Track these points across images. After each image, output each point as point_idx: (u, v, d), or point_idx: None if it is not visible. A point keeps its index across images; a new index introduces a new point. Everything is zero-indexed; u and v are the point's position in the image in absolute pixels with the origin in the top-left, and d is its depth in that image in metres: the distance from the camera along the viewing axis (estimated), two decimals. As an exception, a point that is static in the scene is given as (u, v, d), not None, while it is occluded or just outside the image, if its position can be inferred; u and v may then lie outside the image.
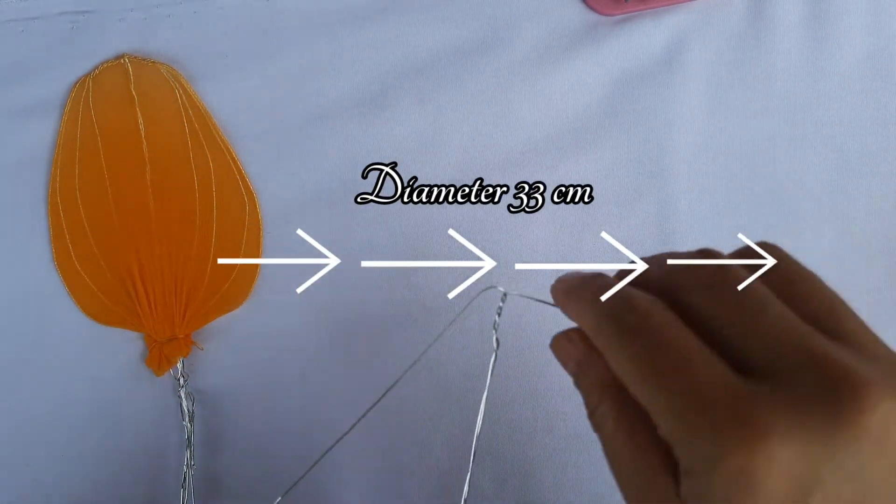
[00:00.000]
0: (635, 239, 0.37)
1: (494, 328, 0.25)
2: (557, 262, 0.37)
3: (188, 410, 0.35)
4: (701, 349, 0.18)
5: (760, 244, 0.21)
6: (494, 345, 0.25)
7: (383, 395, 0.27)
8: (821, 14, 0.38)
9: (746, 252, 0.21)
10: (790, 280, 0.20)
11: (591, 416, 0.21)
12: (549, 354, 0.37)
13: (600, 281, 0.21)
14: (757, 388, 0.17)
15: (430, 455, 0.36)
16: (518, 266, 0.37)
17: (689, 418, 0.17)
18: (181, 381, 0.35)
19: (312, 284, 0.37)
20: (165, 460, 0.36)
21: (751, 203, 0.38)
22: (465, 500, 0.26)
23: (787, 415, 0.16)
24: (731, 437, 0.16)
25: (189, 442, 0.35)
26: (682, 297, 0.19)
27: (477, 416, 0.36)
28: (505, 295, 0.25)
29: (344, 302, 0.37)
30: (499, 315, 0.24)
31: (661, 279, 0.21)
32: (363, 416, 0.27)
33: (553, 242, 0.37)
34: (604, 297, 0.20)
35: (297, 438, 0.36)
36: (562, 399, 0.36)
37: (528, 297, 0.23)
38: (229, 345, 0.36)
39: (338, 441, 0.28)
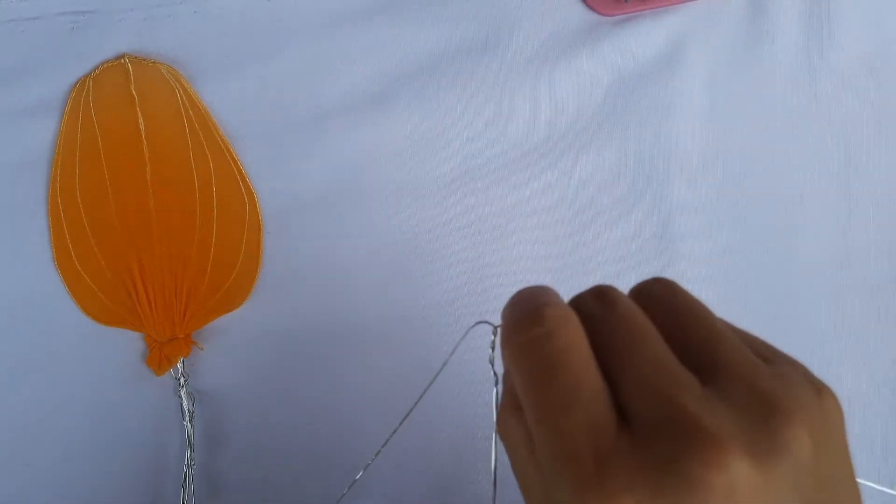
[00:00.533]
0: (635, 239, 0.37)
1: (490, 362, 0.23)
2: (557, 263, 0.37)
3: (188, 410, 0.35)
4: (592, 384, 0.17)
5: (654, 280, 0.20)
6: (493, 379, 0.24)
7: (391, 435, 0.26)
8: (821, 14, 0.38)
9: (644, 287, 0.20)
10: (675, 311, 0.19)
11: (498, 423, 0.20)
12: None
13: (526, 292, 0.20)
14: (624, 440, 0.16)
15: (430, 455, 0.36)
16: (517, 266, 0.37)
17: (556, 463, 0.16)
18: (181, 381, 0.35)
19: (312, 284, 0.37)
20: (165, 460, 0.36)
21: (750, 203, 0.38)
22: None
23: (642, 477, 0.15)
24: (586, 500, 0.15)
25: (189, 442, 0.35)
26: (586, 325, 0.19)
27: (476, 418, 0.36)
28: (496, 329, 0.24)
29: (344, 302, 0.37)
30: (493, 349, 0.22)
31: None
32: (377, 453, 0.27)
33: (553, 243, 0.37)
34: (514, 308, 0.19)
35: (297, 438, 0.36)
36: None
37: None
38: (229, 345, 0.36)
39: (360, 474, 0.27)
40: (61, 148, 0.36)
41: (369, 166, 0.37)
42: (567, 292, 0.38)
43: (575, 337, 0.18)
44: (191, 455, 0.35)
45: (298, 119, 0.37)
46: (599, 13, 0.38)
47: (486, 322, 0.23)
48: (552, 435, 0.17)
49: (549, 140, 0.38)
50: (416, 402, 0.26)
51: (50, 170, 0.37)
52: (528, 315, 0.19)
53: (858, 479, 0.18)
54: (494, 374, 0.23)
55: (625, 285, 0.37)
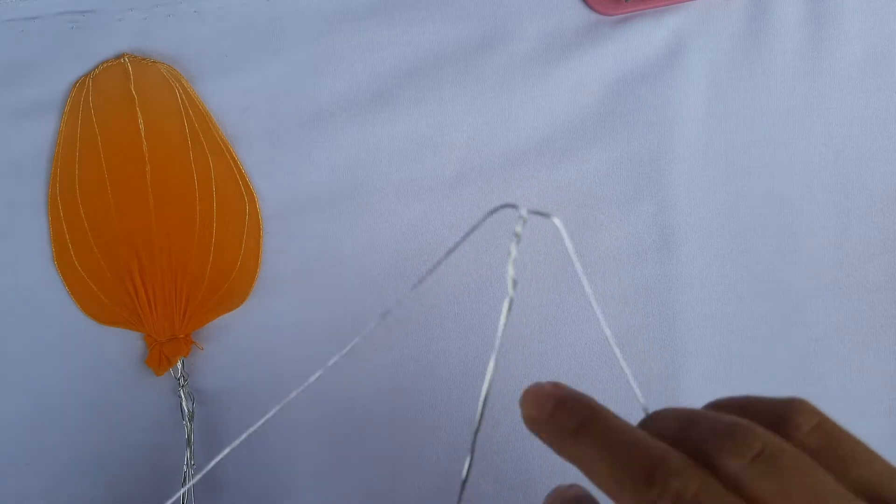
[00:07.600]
0: (635, 238, 0.37)
1: (509, 255, 0.20)
2: (557, 261, 0.37)
3: (188, 410, 0.35)
4: None
5: (791, 401, 0.19)
6: (509, 285, 0.20)
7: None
8: (821, 14, 0.38)
9: (774, 407, 0.19)
10: (832, 444, 0.19)
11: None
12: (550, 354, 0.37)
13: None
14: None
15: (430, 455, 0.36)
16: (517, 265, 0.37)
17: None
18: (181, 381, 0.35)
19: (312, 284, 0.37)
20: (165, 460, 0.36)
21: (750, 203, 0.38)
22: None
23: None
24: None
25: (189, 442, 0.35)
26: (715, 462, 0.18)
27: (475, 417, 0.36)
28: (523, 216, 0.20)
29: (344, 302, 0.37)
30: (516, 242, 0.19)
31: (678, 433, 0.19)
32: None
33: (553, 242, 0.37)
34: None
35: (297, 438, 0.36)
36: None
37: (541, 214, 0.20)
38: (229, 345, 0.36)
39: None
40: (61, 147, 0.36)
41: (369, 166, 0.37)
42: (567, 291, 0.38)
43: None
44: (191, 455, 0.35)
45: (298, 119, 0.37)
46: (599, 12, 0.38)
47: (512, 206, 0.20)
48: None
49: (550, 139, 0.38)
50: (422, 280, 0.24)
51: (50, 169, 0.37)
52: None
53: None
54: (513, 279, 0.21)
55: (624, 284, 0.37)
